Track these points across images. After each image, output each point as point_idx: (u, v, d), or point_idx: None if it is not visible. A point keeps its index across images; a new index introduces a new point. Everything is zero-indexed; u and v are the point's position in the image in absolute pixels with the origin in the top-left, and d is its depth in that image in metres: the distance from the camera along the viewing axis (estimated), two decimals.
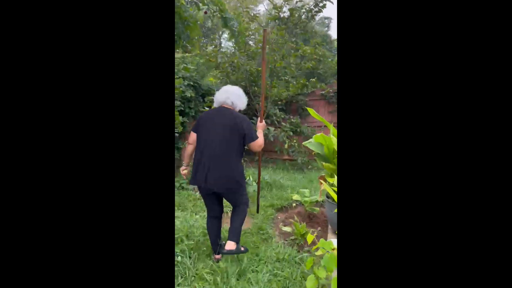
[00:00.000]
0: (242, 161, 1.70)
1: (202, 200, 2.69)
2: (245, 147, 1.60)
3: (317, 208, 2.33)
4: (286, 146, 4.22)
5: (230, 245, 1.59)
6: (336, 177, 1.94)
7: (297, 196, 2.37)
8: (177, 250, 1.69)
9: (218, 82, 4.07)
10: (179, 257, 1.62)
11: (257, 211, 2.42)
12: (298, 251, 1.81)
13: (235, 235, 1.61)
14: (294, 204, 2.66)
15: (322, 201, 2.64)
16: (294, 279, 1.48)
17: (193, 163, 1.58)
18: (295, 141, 4.09)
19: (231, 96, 1.60)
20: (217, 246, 1.65)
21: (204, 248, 1.75)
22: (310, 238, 0.94)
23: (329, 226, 2.13)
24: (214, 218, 1.68)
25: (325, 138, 2.00)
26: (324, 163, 1.99)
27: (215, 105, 1.66)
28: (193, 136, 1.62)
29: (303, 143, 2.22)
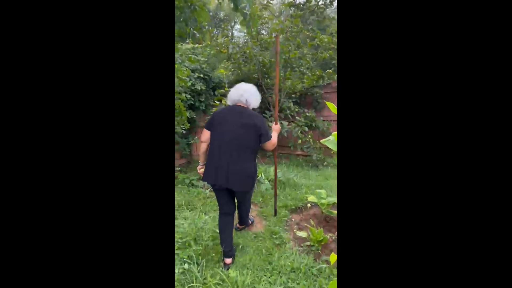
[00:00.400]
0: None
1: (212, 199, 2.59)
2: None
3: (335, 211, 2.15)
4: (299, 141, 4.02)
5: (241, 227, 1.96)
6: None
7: (313, 198, 2.20)
8: (184, 256, 1.58)
9: (229, 74, 3.90)
10: (186, 265, 1.51)
11: (275, 214, 2.27)
12: (315, 260, 1.65)
13: (244, 222, 1.95)
14: (309, 205, 2.50)
15: None
16: None
17: (207, 160, 1.57)
18: (310, 136, 3.87)
19: (245, 93, 1.59)
20: (228, 247, 1.59)
21: (213, 254, 1.63)
22: (333, 258, 0.79)
23: None
24: (227, 216, 1.64)
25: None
26: None
27: (228, 103, 1.65)
28: (206, 134, 1.60)
29: (321, 140, 2.03)
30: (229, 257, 1.59)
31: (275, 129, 1.74)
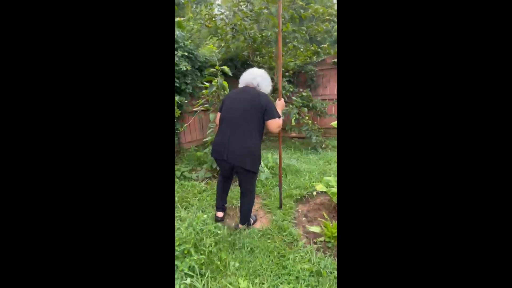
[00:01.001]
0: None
1: (208, 192, 2.34)
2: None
3: None
4: (293, 123, 3.77)
5: (241, 227, 1.76)
6: None
7: (321, 186, 2.00)
8: (184, 267, 1.34)
9: (216, 52, 3.49)
10: (188, 279, 1.27)
11: (280, 207, 2.05)
12: (335, 259, 1.47)
13: (245, 219, 1.74)
14: (314, 193, 2.30)
15: None
16: None
17: (215, 136, 1.64)
18: (307, 117, 3.63)
19: (258, 77, 1.63)
20: (221, 203, 1.84)
21: (218, 262, 1.40)
22: None
23: None
24: (225, 178, 1.80)
25: None
26: None
27: (240, 85, 1.69)
28: (218, 116, 1.68)
29: (332, 123, 1.79)
30: (222, 210, 1.86)
31: (278, 105, 1.66)
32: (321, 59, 4.41)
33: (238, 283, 1.29)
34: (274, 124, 1.51)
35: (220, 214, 1.84)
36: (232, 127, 1.51)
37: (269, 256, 1.50)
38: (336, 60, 4.21)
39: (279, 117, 1.53)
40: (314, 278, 1.32)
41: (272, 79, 3.92)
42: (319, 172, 2.70)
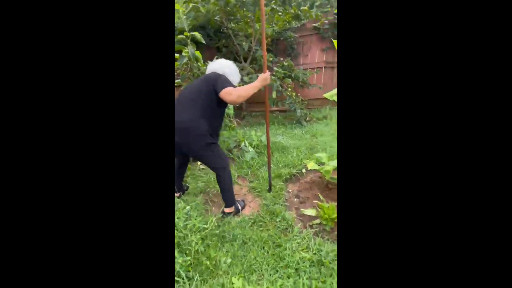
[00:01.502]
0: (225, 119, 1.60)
1: (188, 177, 2.12)
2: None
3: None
4: (274, 95, 3.53)
5: (228, 210, 1.63)
6: None
7: (313, 164, 1.85)
8: None
9: (183, 17, 3.01)
10: (176, 286, 1.09)
11: (269, 190, 1.89)
12: (334, 243, 1.36)
13: (228, 201, 1.61)
14: (304, 171, 2.17)
15: None
16: None
17: None
18: (290, 89, 3.39)
19: (225, 68, 1.55)
20: (177, 182, 1.81)
21: (207, 262, 1.23)
22: None
23: None
24: (180, 159, 1.75)
25: None
26: None
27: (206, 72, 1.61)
28: None
29: (325, 95, 1.59)
30: (178, 192, 1.86)
31: (260, 78, 1.48)
32: (301, 24, 4.07)
33: (232, 283, 1.14)
34: (226, 93, 1.39)
35: (177, 194, 1.85)
36: (178, 107, 1.44)
37: (264, 247, 1.36)
38: (316, 24, 3.90)
39: (230, 86, 1.41)
40: (315, 268, 1.20)
41: (250, 48, 3.55)
42: (306, 148, 2.55)
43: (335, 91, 1.54)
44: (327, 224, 1.48)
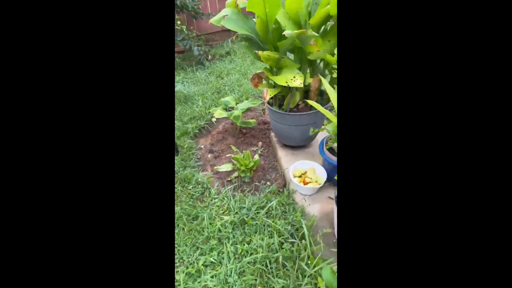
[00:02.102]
0: None
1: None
2: None
3: (253, 120, 1.67)
4: None
5: None
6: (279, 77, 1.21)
7: (220, 112, 1.59)
8: None
9: None
10: None
11: (177, 153, 1.57)
12: (255, 194, 1.25)
13: None
14: (214, 119, 1.91)
15: (263, 111, 1.97)
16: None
17: None
18: (179, 22, 2.74)
19: None
20: None
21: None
22: None
23: (274, 139, 1.59)
24: None
25: (255, 3, 1.04)
26: (257, 52, 1.15)
27: None
28: None
29: (211, 20, 1.21)
30: None
31: None
32: None
33: None
34: None
35: None
36: None
37: (178, 225, 1.14)
38: None
39: None
40: (239, 231, 1.08)
41: None
42: (213, 92, 2.23)
43: (222, 12, 1.19)
44: (246, 175, 1.35)
